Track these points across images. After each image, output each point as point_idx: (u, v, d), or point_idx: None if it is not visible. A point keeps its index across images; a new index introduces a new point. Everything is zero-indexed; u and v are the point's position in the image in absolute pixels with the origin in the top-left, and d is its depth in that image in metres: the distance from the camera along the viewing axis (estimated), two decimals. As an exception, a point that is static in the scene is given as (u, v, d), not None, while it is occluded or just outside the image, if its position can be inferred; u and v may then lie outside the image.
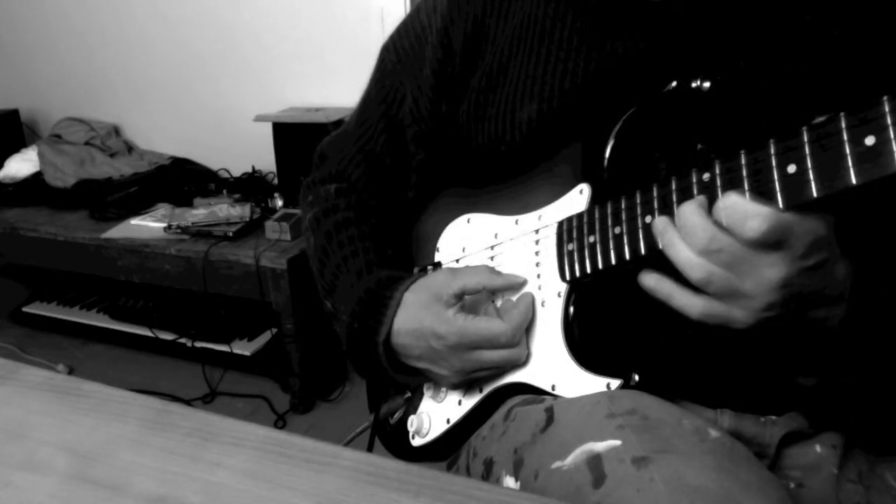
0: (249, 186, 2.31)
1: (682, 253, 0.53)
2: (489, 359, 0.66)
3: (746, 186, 0.51)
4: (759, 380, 0.65)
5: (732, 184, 0.52)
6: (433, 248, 0.80)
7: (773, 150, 0.50)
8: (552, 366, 0.64)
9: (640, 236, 0.58)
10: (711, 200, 0.53)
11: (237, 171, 2.42)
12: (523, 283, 0.68)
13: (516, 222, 0.71)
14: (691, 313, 0.55)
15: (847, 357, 0.62)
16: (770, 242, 0.49)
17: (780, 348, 0.62)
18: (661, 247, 0.55)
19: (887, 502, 0.64)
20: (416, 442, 0.75)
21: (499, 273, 0.69)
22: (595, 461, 0.51)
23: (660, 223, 0.55)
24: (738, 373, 0.64)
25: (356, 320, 0.71)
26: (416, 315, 0.68)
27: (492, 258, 0.73)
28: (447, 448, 0.74)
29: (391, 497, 0.43)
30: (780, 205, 0.49)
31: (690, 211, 0.53)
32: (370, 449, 0.80)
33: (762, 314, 0.53)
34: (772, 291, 0.51)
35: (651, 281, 0.57)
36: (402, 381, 0.77)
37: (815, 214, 0.50)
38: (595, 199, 0.64)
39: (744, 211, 0.49)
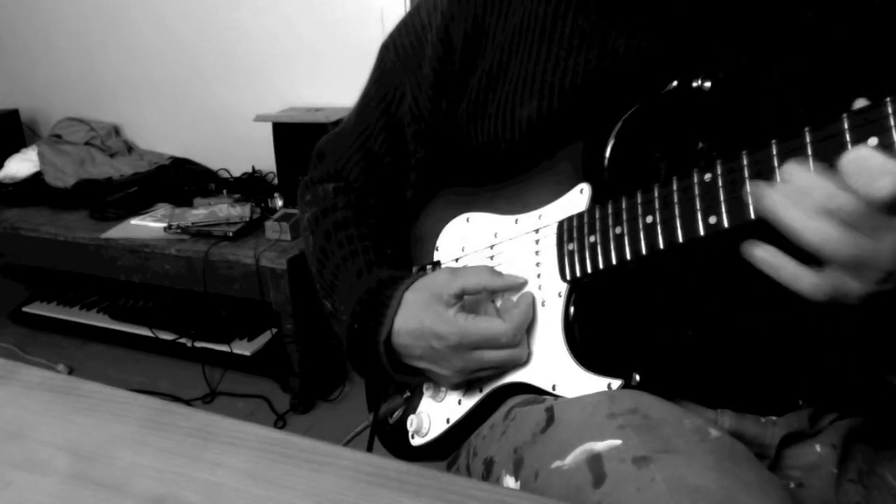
0: (249, 186, 2.31)
1: (793, 215, 0.46)
2: (490, 359, 0.66)
3: (748, 187, 0.51)
4: (774, 379, 0.64)
5: (734, 184, 0.52)
6: (432, 247, 0.80)
7: (775, 150, 0.50)
8: (552, 366, 0.64)
9: (641, 236, 0.58)
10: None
11: (237, 171, 2.42)
12: (524, 283, 0.68)
13: (516, 221, 0.71)
14: (803, 285, 0.49)
15: None
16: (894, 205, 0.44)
17: (878, 341, 0.60)
18: (762, 212, 0.49)
19: (887, 502, 0.64)
20: (416, 442, 0.75)
21: (499, 274, 0.69)
22: (595, 461, 0.51)
23: (758, 186, 0.49)
24: (738, 373, 0.64)
25: (356, 320, 0.71)
26: (417, 315, 0.68)
27: (491, 257, 0.73)
28: (447, 448, 0.74)
29: (391, 497, 0.43)
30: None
31: (798, 170, 0.47)
32: (370, 449, 0.80)
33: (882, 286, 0.47)
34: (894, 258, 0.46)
35: (760, 251, 0.50)
36: (403, 381, 0.76)
37: None
38: (595, 199, 0.64)
39: (876, 166, 0.43)
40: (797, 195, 0.46)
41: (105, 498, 0.45)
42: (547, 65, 0.68)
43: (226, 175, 2.46)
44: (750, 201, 0.50)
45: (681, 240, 0.55)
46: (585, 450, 0.53)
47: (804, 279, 0.48)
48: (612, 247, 0.60)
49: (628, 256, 0.59)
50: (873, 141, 0.45)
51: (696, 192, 0.54)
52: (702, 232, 0.54)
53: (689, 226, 0.54)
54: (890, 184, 0.43)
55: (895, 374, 0.64)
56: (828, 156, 0.47)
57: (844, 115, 0.46)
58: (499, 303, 0.70)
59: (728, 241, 0.53)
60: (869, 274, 0.47)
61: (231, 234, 2.03)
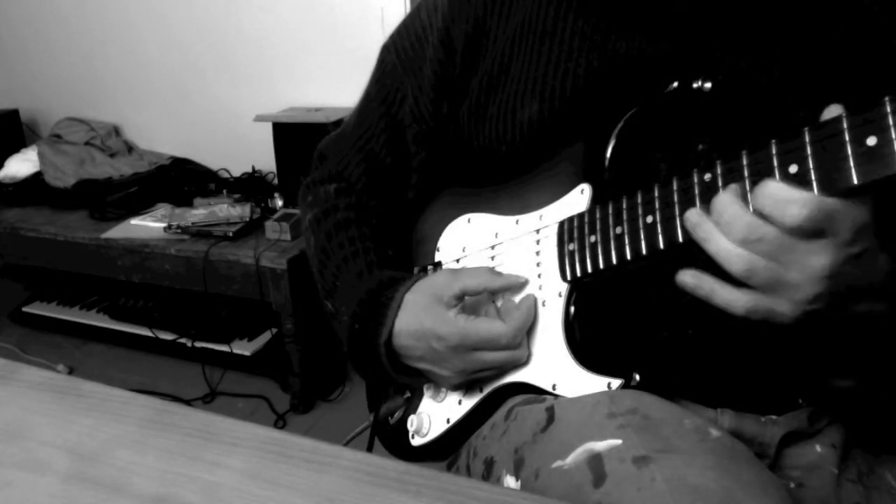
0: (249, 186, 2.31)
1: (721, 245, 0.51)
2: (490, 360, 0.66)
3: (748, 187, 0.51)
4: (774, 378, 0.65)
5: (734, 184, 0.52)
6: (433, 248, 0.80)
7: (774, 151, 0.50)
8: (553, 365, 0.64)
9: (642, 236, 0.58)
10: (744, 191, 0.51)
11: (237, 171, 2.42)
12: (524, 283, 0.68)
13: (517, 222, 0.71)
14: (735, 309, 0.53)
15: (886, 357, 0.61)
16: (812, 229, 0.47)
17: (818, 348, 0.61)
18: (696, 240, 0.53)
19: (887, 502, 0.64)
20: (416, 442, 0.75)
21: (500, 274, 0.69)
22: (596, 460, 0.51)
23: (693, 215, 0.53)
24: (738, 372, 0.64)
25: (357, 321, 0.71)
26: (417, 316, 0.68)
27: (492, 258, 0.73)
28: (447, 448, 0.74)
29: (391, 497, 0.43)
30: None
31: (727, 201, 0.51)
32: (370, 449, 0.80)
33: (808, 306, 0.51)
34: (818, 281, 0.49)
35: (690, 279, 0.54)
36: (404, 382, 0.76)
37: (856, 200, 0.48)
38: (596, 199, 0.64)
39: (783, 197, 0.48)
40: (725, 225, 0.51)
41: (105, 498, 0.45)
42: (548, 66, 0.68)
43: (226, 175, 2.46)
44: (685, 227, 0.54)
45: (681, 240, 0.55)
46: (586, 449, 0.53)
47: (738, 303, 0.52)
48: (612, 247, 0.60)
49: (629, 256, 0.59)
50: (872, 140, 0.45)
51: (696, 192, 0.54)
52: (702, 232, 0.54)
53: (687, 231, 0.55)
54: (798, 211, 0.47)
55: (841, 378, 0.65)
56: (827, 156, 0.47)
57: (844, 115, 0.46)
58: (499, 303, 0.70)
59: None
60: (794, 297, 0.51)
61: (231, 234, 2.03)
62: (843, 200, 0.47)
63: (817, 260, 0.49)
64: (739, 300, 0.52)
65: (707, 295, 0.54)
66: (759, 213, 0.49)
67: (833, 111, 0.48)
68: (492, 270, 0.69)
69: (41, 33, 2.71)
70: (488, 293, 0.69)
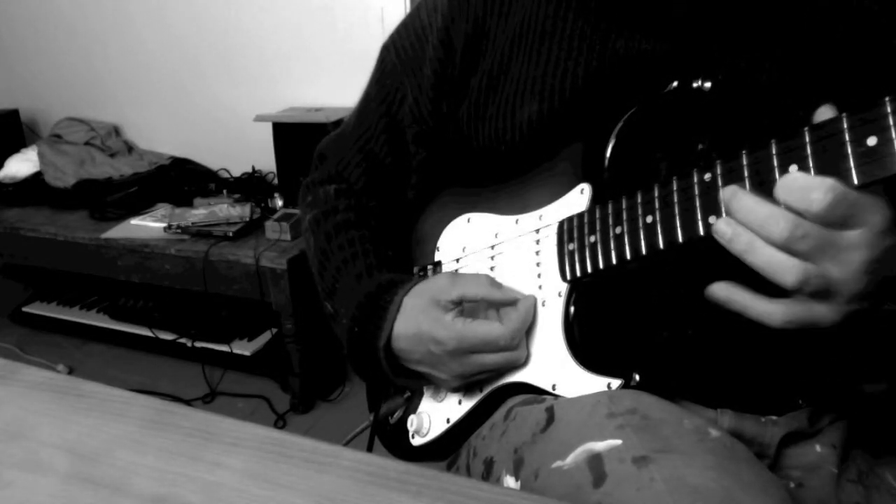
0: (249, 186, 2.31)
1: (767, 254, 0.48)
2: (488, 362, 0.66)
3: (748, 186, 0.51)
4: (774, 378, 0.64)
5: (734, 184, 0.52)
6: (433, 248, 0.80)
7: (774, 150, 0.50)
8: (553, 365, 0.64)
9: (642, 236, 0.58)
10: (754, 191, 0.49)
11: (237, 171, 2.42)
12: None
13: (517, 222, 0.71)
14: (773, 321, 0.50)
15: None
16: (840, 215, 0.46)
17: (851, 352, 0.61)
18: (735, 253, 0.49)
19: (887, 502, 0.64)
20: (416, 441, 0.75)
21: (499, 285, 0.68)
22: (595, 461, 0.51)
23: (725, 228, 0.49)
24: (738, 373, 0.64)
25: (356, 325, 0.71)
26: (415, 320, 0.68)
27: (492, 258, 0.73)
28: (447, 448, 0.74)
29: (391, 497, 0.43)
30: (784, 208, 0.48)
31: (753, 202, 0.48)
32: (370, 449, 0.80)
33: (849, 307, 0.49)
34: (860, 277, 0.48)
35: (722, 292, 0.52)
36: (403, 385, 0.77)
37: (876, 191, 0.47)
38: (596, 199, 0.64)
39: (805, 185, 0.46)
40: (761, 229, 0.48)
41: (105, 498, 0.45)
42: (547, 66, 0.68)
43: (226, 175, 2.46)
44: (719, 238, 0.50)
45: (681, 240, 0.55)
46: (585, 450, 0.53)
47: (775, 314, 0.50)
48: (612, 247, 0.60)
49: (628, 256, 0.59)
50: (872, 140, 0.45)
51: (696, 191, 0.54)
52: (702, 232, 0.54)
53: (689, 226, 0.54)
54: (821, 195, 0.45)
55: (871, 383, 0.64)
56: (827, 156, 0.47)
57: (844, 115, 0.46)
58: (499, 303, 0.70)
59: None
60: (836, 298, 0.49)
61: (231, 234, 2.03)
62: (866, 192, 0.46)
63: (858, 254, 0.47)
64: (777, 312, 0.50)
65: (741, 309, 0.52)
66: (788, 208, 0.47)
67: (825, 113, 0.48)
68: (492, 280, 0.68)
69: (41, 33, 2.71)
70: (486, 302, 0.69)
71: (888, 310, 0.53)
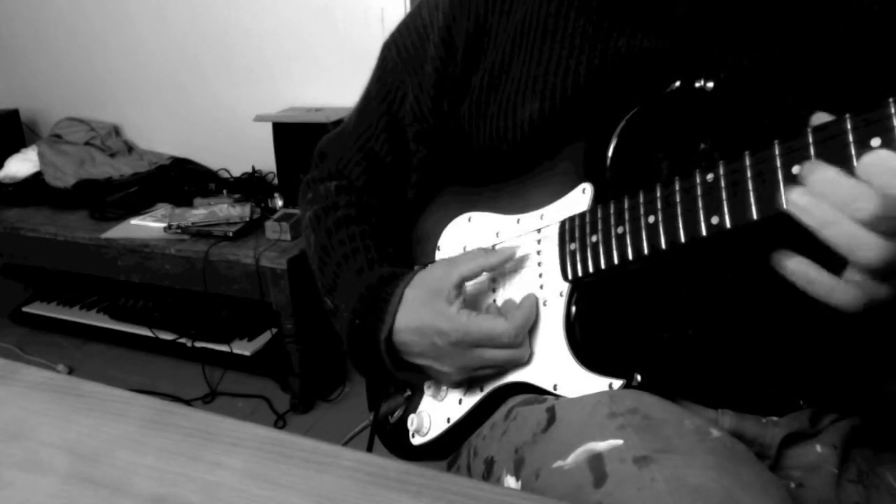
0: (249, 186, 2.31)
1: (848, 230, 0.45)
2: (491, 357, 0.66)
3: (751, 187, 0.51)
4: (775, 379, 0.64)
5: (737, 185, 0.52)
6: (434, 247, 0.80)
7: (777, 151, 0.49)
8: (554, 365, 0.64)
9: (643, 236, 0.58)
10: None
11: (237, 171, 2.42)
12: (522, 256, 0.68)
13: (518, 221, 0.71)
14: (837, 299, 0.48)
15: None
16: None
17: (881, 349, 0.60)
18: (808, 225, 0.46)
19: (887, 502, 0.64)
20: (417, 441, 0.75)
21: (493, 251, 0.68)
22: (596, 461, 0.51)
23: (801, 197, 0.46)
24: (739, 373, 0.64)
25: (357, 317, 0.71)
26: (418, 312, 0.67)
27: (493, 258, 0.73)
28: (447, 447, 0.74)
29: (391, 497, 0.43)
30: (786, 207, 0.47)
31: (836, 174, 0.45)
32: (370, 448, 0.80)
33: None
34: None
35: (793, 263, 0.48)
36: (404, 379, 0.76)
37: None
38: (598, 199, 0.64)
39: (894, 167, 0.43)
40: (844, 203, 0.45)
41: (105, 498, 0.45)
42: (549, 65, 0.68)
43: (226, 175, 2.46)
44: (787, 209, 0.48)
45: (683, 240, 0.55)
46: (586, 450, 0.53)
47: (838, 292, 0.47)
48: (613, 246, 0.60)
49: (630, 256, 0.59)
50: (876, 141, 0.45)
51: (699, 192, 0.54)
52: (704, 232, 0.53)
53: (692, 226, 0.54)
54: None
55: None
56: (830, 156, 0.47)
57: (847, 115, 0.46)
58: (500, 302, 0.70)
59: (730, 242, 0.53)
60: None
61: (231, 234, 2.03)
62: None
63: None
64: (842, 288, 0.47)
65: (806, 284, 0.48)
66: (873, 187, 0.44)
67: (820, 119, 0.47)
68: (486, 250, 0.69)
69: (41, 33, 2.71)
70: (488, 278, 0.69)
71: None
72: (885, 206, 0.43)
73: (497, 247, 0.72)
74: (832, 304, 0.48)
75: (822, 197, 0.46)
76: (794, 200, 0.47)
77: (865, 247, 0.44)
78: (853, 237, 0.45)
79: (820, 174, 0.46)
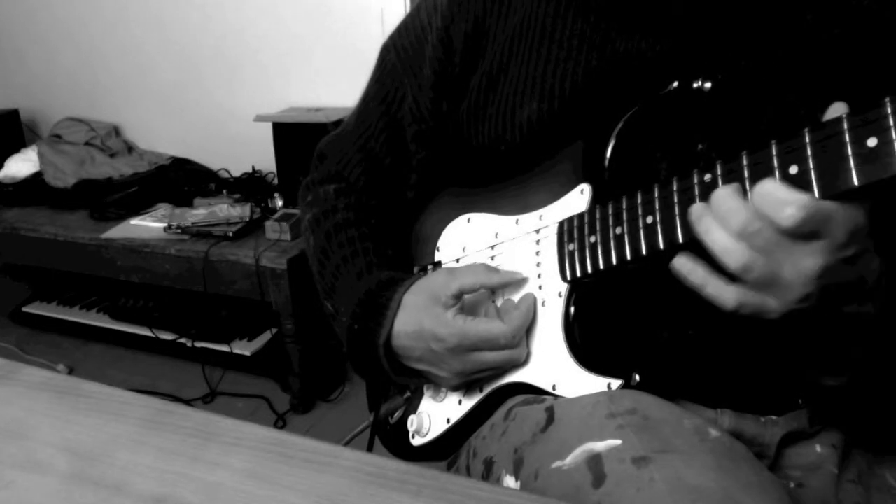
0: (249, 186, 2.31)
1: (719, 238, 0.50)
2: (489, 360, 0.66)
3: (748, 187, 0.51)
4: (774, 378, 0.65)
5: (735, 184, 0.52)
6: (433, 248, 0.80)
7: (774, 151, 0.50)
8: (553, 366, 0.64)
9: (642, 236, 0.58)
10: (743, 188, 0.51)
11: (237, 171, 2.42)
12: (522, 280, 0.68)
13: (517, 222, 0.71)
14: (725, 302, 0.52)
15: (875, 355, 0.61)
16: (807, 232, 0.47)
17: (808, 346, 0.61)
18: (696, 233, 0.52)
19: (887, 502, 0.64)
20: (416, 441, 0.75)
21: (496, 270, 0.69)
22: (595, 461, 0.51)
23: (697, 209, 0.52)
24: (738, 373, 0.64)
25: (356, 322, 0.71)
26: (416, 317, 0.68)
27: (492, 258, 0.73)
28: (447, 448, 0.74)
29: (391, 497, 0.43)
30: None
31: (726, 194, 0.50)
32: (370, 449, 0.80)
33: (797, 305, 0.51)
34: (809, 282, 0.49)
35: (685, 264, 0.54)
36: (403, 383, 0.76)
37: (854, 202, 0.48)
38: (596, 199, 0.64)
39: (780, 198, 0.47)
40: (722, 219, 0.50)
41: (105, 498, 0.45)
42: (547, 66, 0.68)
43: (226, 175, 2.46)
44: (689, 221, 0.53)
45: (681, 240, 0.55)
46: (585, 450, 0.53)
47: (728, 296, 0.52)
48: (612, 247, 0.60)
49: (628, 256, 0.59)
50: (873, 141, 0.45)
51: (697, 192, 0.54)
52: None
53: (690, 226, 0.54)
54: (794, 212, 0.46)
55: (830, 377, 0.65)
56: (827, 157, 0.47)
57: (844, 115, 0.46)
58: (499, 303, 0.70)
59: None
60: (786, 295, 0.51)
61: (231, 234, 2.03)
62: (841, 203, 0.47)
63: (811, 261, 0.49)
64: (730, 294, 0.52)
65: (699, 284, 0.53)
66: (759, 213, 0.49)
67: (837, 109, 0.48)
68: (488, 267, 0.69)
69: (41, 33, 2.71)
70: (487, 291, 0.69)
71: (850, 312, 0.55)
72: (748, 223, 0.49)
73: (498, 262, 0.72)
74: (720, 305, 0.53)
75: (711, 210, 0.51)
76: (690, 210, 0.53)
77: (727, 253, 0.50)
78: (719, 243, 0.51)
79: (715, 193, 0.51)
